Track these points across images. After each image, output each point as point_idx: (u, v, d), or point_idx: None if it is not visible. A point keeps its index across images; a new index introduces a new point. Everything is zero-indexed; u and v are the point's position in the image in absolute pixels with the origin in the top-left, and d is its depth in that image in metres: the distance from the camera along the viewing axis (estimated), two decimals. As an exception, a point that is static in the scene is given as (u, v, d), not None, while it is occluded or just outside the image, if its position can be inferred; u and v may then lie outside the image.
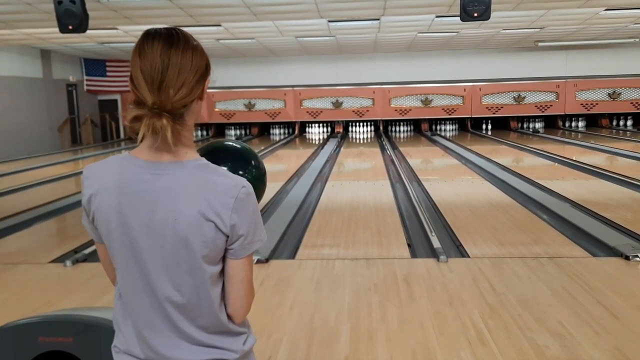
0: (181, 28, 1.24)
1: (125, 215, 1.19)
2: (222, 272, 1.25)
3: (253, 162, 1.48)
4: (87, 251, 5.05)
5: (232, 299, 1.26)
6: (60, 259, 4.88)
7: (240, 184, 1.21)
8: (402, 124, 19.30)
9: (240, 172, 1.41)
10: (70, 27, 7.09)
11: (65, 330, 1.91)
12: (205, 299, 1.22)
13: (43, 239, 5.98)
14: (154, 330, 1.24)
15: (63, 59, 16.91)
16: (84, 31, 7.17)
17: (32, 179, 9.79)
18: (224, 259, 1.24)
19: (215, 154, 1.42)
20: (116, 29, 11.97)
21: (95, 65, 18.27)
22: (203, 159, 1.24)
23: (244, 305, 1.27)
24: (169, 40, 1.18)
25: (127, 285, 1.26)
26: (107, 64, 18.49)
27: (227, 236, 1.20)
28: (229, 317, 1.26)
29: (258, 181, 1.43)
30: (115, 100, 19.27)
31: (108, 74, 18.57)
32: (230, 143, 1.57)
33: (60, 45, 14.91)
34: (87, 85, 18.27)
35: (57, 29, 7.27)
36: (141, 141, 1.23)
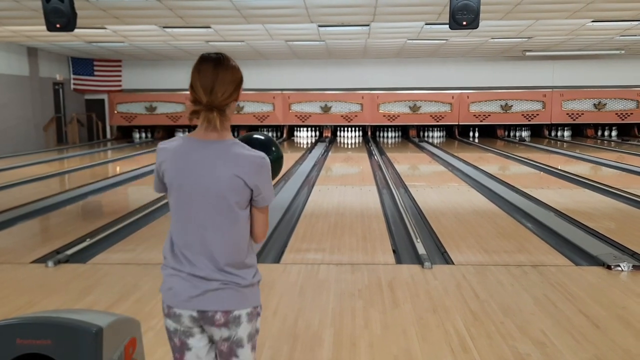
0: (206, 51, 1.85)
1: (182, 175, 1.77)
2: (247, 219, 1.82)
3: (273, 148, 2.06)
4: (69, 252, 5.00)
5: (255, 230, 1.86)
6: (42, 260, 4.82)
7: (260, 155, 1.78)
8: (390, 129, 19.38)
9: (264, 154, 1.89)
10: (58, 26, 7.03)
11: (44, 332, 1.88)
12: (231, 237, 1.78)
13: (25, 239, 5.91)
14: (194, 254, 1.78)
15: (50, 57, 16.76)
16: (72, 30, 7.11)
17: (16, 178, 9.68)
18: (250, 208, 1.82)
19: (249, 140, 2.00)
20: (105, 28, 11.90)
21: (82, 64, 18.14)
22: (236, 139, 1.82)
23: (263, 232, 1.88)
24: (217, 62, 1.77)
25: (178, 222, 1.81)
26: (95, 63, 18.37)
27: (252, 190, 1.77)
28: (252, 237, 1.86)
29: (276, 162, 2.02)
30: (102, 100, 19.13)
31: (96, 73, 18.44)
32: (259, 135, 2.12)
33: (47, 43, 14.78)
34: (74, 84, 18.13)
35: (44, 27, 7.21)
36: (194, 127, 1.87)
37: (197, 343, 1.84)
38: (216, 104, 1.75)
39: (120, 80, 18.99)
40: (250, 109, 18.76)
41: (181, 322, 1.81)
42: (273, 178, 1.90)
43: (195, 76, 1.77)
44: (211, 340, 1.85)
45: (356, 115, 18.83)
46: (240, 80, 1.83)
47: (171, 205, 1.84)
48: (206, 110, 1.74)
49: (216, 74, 1.75)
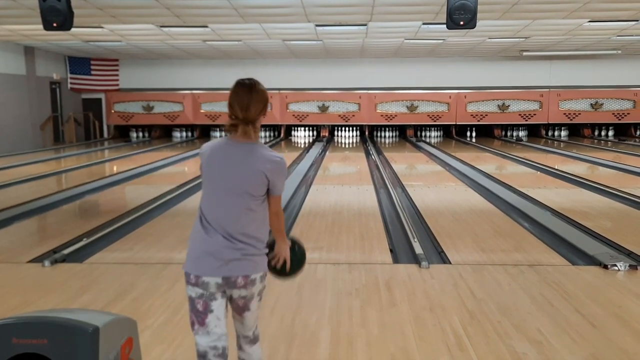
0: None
1: (219, 165, 2.27)
2: (262, 204, 2.31)
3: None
4: (66, 251, 4.99)
5: (271, 208, 2.35)
6: (39, 259, 4.81)
7: (279, 157, 2.30)
8: (387, 129, 19.39)
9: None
10: (54, 25, 7.01)
11: (39, 332, 1.88)
12: (249, 215, 2.26)
13: (22, 238, 5.89)
14: (219, 227, 2.25)
15: (47, 57, 16.72)
16: (69, 29, 7.10)
17: (13, 177, 9.65)
18: (267, 196, 2.32)
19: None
20: (102, 27, 11.87)
21: (79, 64, 18.10)
22: (260, 142, 2.34)
23: (276, 211, 2.37)
24: (250, 87, 2.30)
25: (209, 201, 2.29)
26: (92, 62, 18.32)
27: (269, 181, 2.26)
28: (270, 215, 2.36)
29: (299, 263, 2.59)
30: (100, 99, 19.09)
31: (93, 72, 18.40)
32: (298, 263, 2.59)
33: (44, 42, 14.75)
34: (71, 83, 18.09)
35: (41, 26, 7.19)
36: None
37: (218, 307, 2.27)
38: (250, 119, 2.27)
39: (117, 80, 18.95)
40: (247, 108, 18.71)
41: (208, 289, 2.24)
42: (295, 272, 2.56)
43: (234, 97, 2.29)
44: (228, 301, 2.33)
45: (354, 115, 18.83)
46: (267, 101, 2.35)
47: (204, 186, 2.32)
48: (243, 124, 2.26)
49: (250, 96, 2.27)
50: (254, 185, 2.24)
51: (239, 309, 2.34)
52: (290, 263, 2.48)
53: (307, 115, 18.89)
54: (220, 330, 2.27)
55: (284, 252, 2.45)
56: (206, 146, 2.35)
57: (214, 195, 2.27)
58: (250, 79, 2.31)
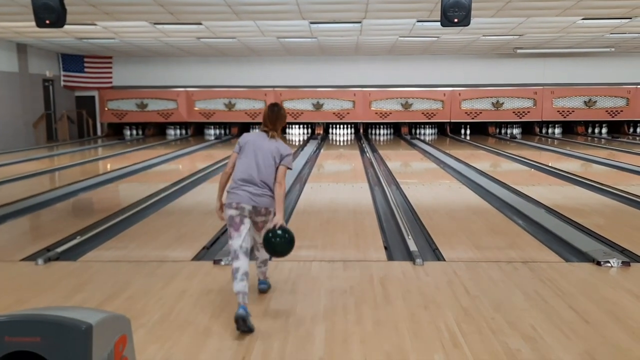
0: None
1: (255, 147, 3.61)
2: (275, 169, 3.59)
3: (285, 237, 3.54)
4: (59, 249, 4.97)
5: (278, 177, 3.58)
6: (32, 257, 4.79)
7: (287, 146, 3.68)
8: (382, 127, 19.41)
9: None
10: (47, 22, 6.98)
11: (32, 329, 1.87)
12: (271, 177, 3.57)
13: (15, 237, 5.86)
14: (253, 179, 3.53)
15: (40, 54, 16.63)
16: (62, 26, 7.06)
17: (6, 175, 9.60)
18: (278, 166, 3.61)
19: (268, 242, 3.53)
20: (95, 24, 11.82)
21: (73, 61, 18.00)
22: (280, 140, 3.69)
23: (282, 179, 3.59)
24: (276, 107, 3.74)
25: (247, 164, 3.57)
26: (85, 59, 18.23)
27: (282, 157, 3.61)
28: (277, 180, 3.59)
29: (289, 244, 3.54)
30: (93, 97, 18.99)
31: (86, 70, 18.30)
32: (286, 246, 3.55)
33: (37, 39, 14.66)
34: (64, 80, 17.99)
35: (34, 23, 7.15)
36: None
37: (247, 223, 3.52)
38: (275, 129, 3.69)
39: (110, 77, 18.86)
40: (242, 105, 18.71)
41: (244, 211, 3.50)
42: (283, 253, 3.56)
43: (267, 114, 3.71)
44: (253, 225, 3.61)
45: (348, 113, 18.83)
46: (285, 117, 3.79)
47: (243, 156, 3.62)
48: (271, 130, 3.68)
49: (277, 113, 3.71)
50: (274, 157, 3.59)
51: (258, 228, 3.65)
52: (278, 240, 3.45)
53: (302, 113, 18.87)
54: (245, 234, 3.50)
55: (278, 220, 3.46)
56: (248, 135, 3.74)
57: (252, 158, 3.58)
58: (276, 104, 3.78)
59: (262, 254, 3.80)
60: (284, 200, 3.61)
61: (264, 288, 3.94)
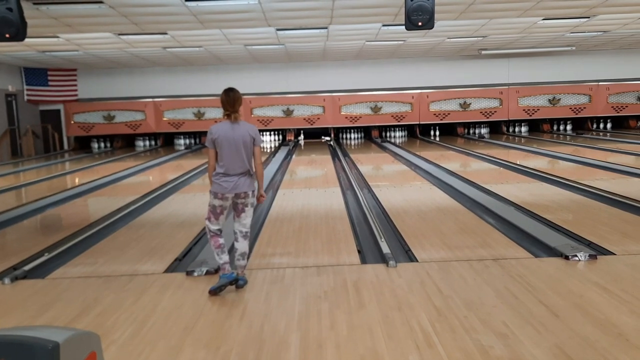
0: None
1: (228, 141, 4.05)
2: (252, 152, 4.15)
3: None
4: (27, 267, 4.86)
5: (256, 158, 4.18)
6: (-2, 277, 4.66)
7: (252, 125, 4.22)
8: (352, 131, 19.50)
9: None
10: (7, 36, 6.81)
11: (-4, 352, 1.82)
12: (249, 160, 4.11)
13: (-20, 257, 5.70)
14: (235, 168, 4.08)
15: (1, 68, 16.26)
16: (22, 39, 6.91)
17: (-31, 194, 9.34)
18: (253, 148, 4.17)
19: None
20: (57, 37, 11.61)
21: (36, 75, 17.64)
22: (242, 120, 4.19)
23: (259, 158, 4.20)
24: (232, 91, 4.13)
25: (228, 157, 4.06)
26: (49, 73, 17.88)
27: (254, 139, 4.13)
28: (254, 162, 4.19)
29: None
30: (58, 110, 18.64)
31: (50, 83, 17.96)
32: None
33: (-2, 53, 14.33)
34: (27, 95, 17.62)
35: (-7, 38, 6.98)
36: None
37: (227, 212, 4.16)
38: (235, 110, 4.05)
39: (75, 90, 18.55)
40: (212, 114, 18.55)
41: (227, 200, 4.11)
42: None
43: (225, 98, 4.07)
44: (233, 208, 4.18)
45: (318, 118, 18.88)
46: (241, 98, 4.12)
47: (220, 151, 4.04)
48: (232, 112, 4.05)
49: (233, 95, 4.08)
50: (247, 142, 4.06)
51: (239, 211, 4.16)
52: None
53: (272, 120, 18.86)
54: (222, 222, 4.16)
55: (260, 190, 4.25)
56: (216, 127, 4.08)
57: (229, 152, 4.02)
58: (231, 88, 4.11)
59: (241, 245, 4.19)
60: (263, 175, 4.28)
61: (241, 284, 4.17)
